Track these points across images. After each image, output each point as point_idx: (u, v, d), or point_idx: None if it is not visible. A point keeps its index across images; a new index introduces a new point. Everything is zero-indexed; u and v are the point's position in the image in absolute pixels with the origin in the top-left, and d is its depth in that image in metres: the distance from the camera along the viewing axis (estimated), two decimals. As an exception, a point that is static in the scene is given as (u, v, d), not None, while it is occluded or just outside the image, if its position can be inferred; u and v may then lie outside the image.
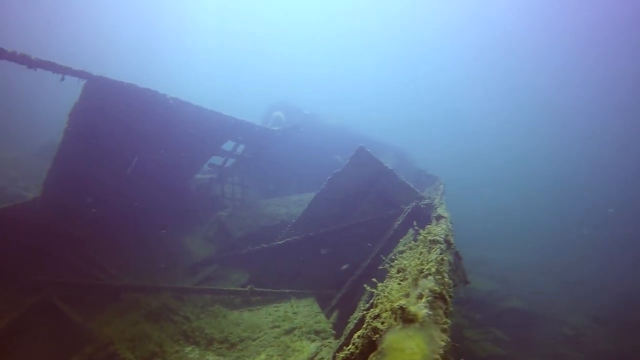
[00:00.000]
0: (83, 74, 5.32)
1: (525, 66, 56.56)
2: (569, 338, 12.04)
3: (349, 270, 5.85)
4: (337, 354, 2.89)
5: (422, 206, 6.00)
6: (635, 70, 48.14)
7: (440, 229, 3.64)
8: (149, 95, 6.10)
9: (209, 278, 6.98)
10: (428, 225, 3.85)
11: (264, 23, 64.71)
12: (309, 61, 66.84)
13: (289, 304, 5.67)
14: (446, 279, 2.27)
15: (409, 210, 5.97)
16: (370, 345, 1.93)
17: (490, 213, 36.44)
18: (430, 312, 1.66)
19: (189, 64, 64.57)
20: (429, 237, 3.15)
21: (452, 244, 3.58)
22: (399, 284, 2.25)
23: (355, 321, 3.88)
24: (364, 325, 2.06)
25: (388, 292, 2.09)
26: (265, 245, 6.98)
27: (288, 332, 4.90)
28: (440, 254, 2.64)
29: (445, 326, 1.66)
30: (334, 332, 4.80)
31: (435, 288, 1.96)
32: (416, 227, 4.09)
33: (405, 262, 2.67)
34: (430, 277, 2.09)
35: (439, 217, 4.52)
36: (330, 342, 4.54)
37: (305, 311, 5.42)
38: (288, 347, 4.58)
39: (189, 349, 4.73)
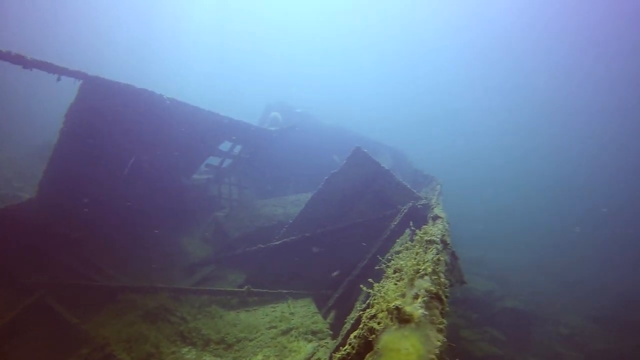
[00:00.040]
0: (79, 74, 5.30)
1: (524, 66, 56.80)
2: (566, 338, 12.09)
3: (340, 276, 5.86)
4: (333, 354, 2.90)
5: (418, 206, 6.01)
6: (635, 70, 48.39)
7: (436, 229, 3.65)
8: (145, 96, 6.09)
9: (206, 279, 6.97)
10: (424, 226, 3.86)
11: (263, 23, 64.76)
12: (308, 61, 66.98)
13: (285, 305, 5.67)
14: (442, 279, 2.28)
15: (405, 210, 5.98)
16: (367, 345, 1.94)
17: (488, 213, 36.61)
18: (426, 312, 1.66)
19: (187, 64, 64.47)
20: (426, 238, 3.15)
21: (448, 244, 3.59)
22: (396, 284, 2.25)
23: (352, 321, 3.89)
24: (361, 326, 2.07)
25: (384, 293, 2.10)
26: (262, 246, 6.98)
27: (285, 332, 4.90)
28: (437, 254, 2.65)
29: (441, 326, 1.66)
30: (330, 332, 4.80)
31: (432, 288, 1.96)
32: (413, 228, 4.10)
33: (401, 262, 2.68)
34: (426, 278, 2.09)
35: (435, 218, 4.53)
36: (327, 343, 4.54)
37: (302, 311, 5.42)
38: (285, 347, 4.58)
39: (185, 349, 4.72)
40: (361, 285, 2.71)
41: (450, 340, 1.69)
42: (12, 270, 5.47)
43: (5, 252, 5.48)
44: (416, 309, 1.65)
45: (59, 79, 5.03)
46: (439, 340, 1.50)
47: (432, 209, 5.36)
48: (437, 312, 1.79)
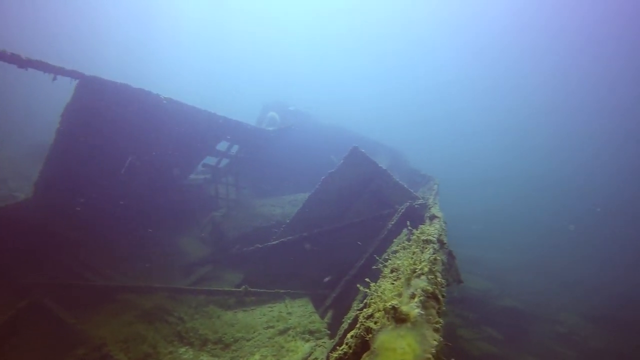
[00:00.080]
0: (75, 74, 5.28)
1: (521, 66, 56.97)
2: (564, 337, 12.14)
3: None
4: (330, 354, 2.90)
5: (415, 206, 6.02)
6: (633, 70, 48.60)
7: (433, 228, 3.65)
8: (142, 96, 6.08)
9: (204, 278, 6.95)
10: (421, 225, 3.86)
11: (261, 22, 64.75)
12: (306, 61, 67.01)
13: (283, 304, 5.67)
14: (439, 279, 2.28)
15: (402, 210, 5.99)
16: (364, 345, 1.94)
17: (486, 212, 36.70)
18: (423, 312, 1.67)
19: (185, 64, 64.34)
20: (422, 237, 3.16)
21: (445, 243, 3.60)
22: (392, 283, 2.25)
23: (349, 321, 3.89)
24: (357, 325, 2.07)
25: (381, 292, 2.10)
26: (260, 246, 6.97)
27: (282, 332, 4.90)
28: (433, 254, 2.66)
29: (437, 325, 1.67)
30: (328, 332, 4.81)
31: (428, 288, 1.97)
32: (410, 227, 4.10)
33: (398, 262, 2.68)
34: (422, 277, 2.10)
35: (432, 217, 4.54)
36: (325, 342, 4.54)
37: (299, 311, 5.42)
38: (282, 347, 4.58)
39: (182, 349, 4.71)
40: (358, 285, 2.71)
41: (448, 339, 1.69)
42: (9, 270, 5.45)
43: (1, 252, 5.46)
44: (412, 309, 1.65)
45: (55, 79, 5.01)
46: (435, 340, 1.50)
47: (429, 208, 5.37)
48: (433, 311, 1.79)
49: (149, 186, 7.65)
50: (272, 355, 4.47)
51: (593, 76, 52.81)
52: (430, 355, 1.36)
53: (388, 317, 1.66)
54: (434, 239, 3.14)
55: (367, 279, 2.53)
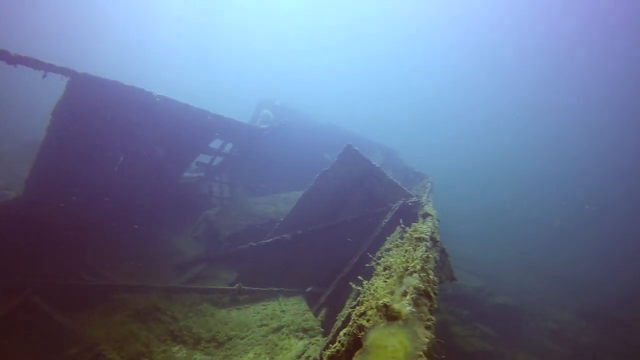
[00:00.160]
0: (66, 71, 5.22)
1: (514, 64, 57.28)
2: (555, 333, 12.29)
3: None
4: (323, 351, 2.91)
5: (409, 204, 6.04)
6: (629, 69, 49.04)
7: (426, 226, 3.67)
8: (134, 93, 6.02)
9: (197, 277, 6.93)
10: (414, 223, 3.88)
11: (257, 21, 64.54)
12: (302, 59, 66.85)
13: (277, 302, 5.67)
14: (431, 276, 2.30)
15: (396, 208, 6.01)
16: (356, 342, 1.94)
17: (480, 210, 36.94)
18: (414, 310, 1.68)
19: (181, 62, 63.97)
20: (415, 235, 3.17)
21: (438, 241, 3.62)
22: (385, 281, 2.26)
23: (342, 319, 3.90)
24: (350, 323, 2.07)
25: (374, 290, 2.11)
26: (254, 244, 6.96)
27: (276, 330, 4.90)
28: (426, 252, 2.67)
29: (429, 323, 1.68)
30: (321, 330, 4.82)
31: (420, 285, 1.98)
32: (403, 225, 4.12)
33: (391, 259, 2.69)
34: (415, 275, 2.11)
35: (425, 215, 4.56)
36: (318, 340, 4.55)
37: (293, 309, 5.42)
38: (276, 345, 4.59)
39: (176, 348, 4.70)
40: (350, 283, 2.72)
41: (441, 336, 1.70)
42: (-1, 270, 5.39)
43: (-9, 251, 5.40)
44: (404, 306, 1.66)
45: (45, 76, 4.95)
46: (427, 337, 1.51)
47: (423, 206, 5.39)
48: (425, 309, 1.80)
49: (142, 184, 7.60)
50: (266, 353, 4.47)
51: (588, 74, 53.25)
52: (421, 353, 1.36)
53: (380, 315, 1.67)
54: (427, 236, 3.15)
55: (360, 277, 2.54)
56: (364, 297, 2.16)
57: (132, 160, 7.13)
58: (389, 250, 3.66)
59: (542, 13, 50.82)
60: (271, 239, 6.87)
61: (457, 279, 4.92)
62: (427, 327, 1.61)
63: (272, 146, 11.11)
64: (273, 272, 6.66)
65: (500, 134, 58.77)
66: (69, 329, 4.70)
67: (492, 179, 49.63)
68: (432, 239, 3.31)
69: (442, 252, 4.22)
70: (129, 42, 59.59)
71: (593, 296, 16.28)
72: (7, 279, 5.35)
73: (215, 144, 8.97)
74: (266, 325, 5.05)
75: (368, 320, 1.76)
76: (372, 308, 1.84)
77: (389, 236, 5.45)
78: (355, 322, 1.97)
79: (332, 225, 6.75)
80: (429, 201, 5.88)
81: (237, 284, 5.94)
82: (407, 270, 2.18)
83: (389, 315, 1.62)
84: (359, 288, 2.35)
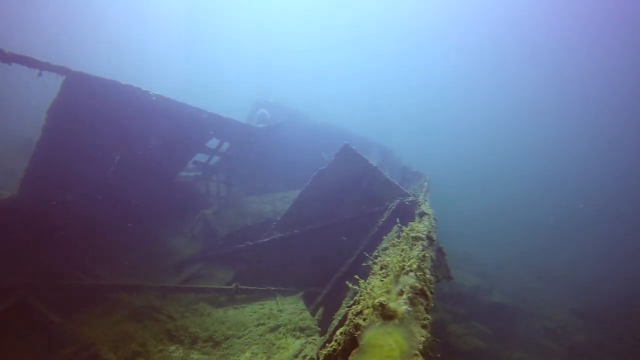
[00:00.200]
0: (62, 69, 5.19)
1: (511, 64, 57.40)
2: (550, 331, 12.35)
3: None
4: (320, 351, 2.91)
5: (406, 203, 6.04)
6: (625, 70, 49.20)
7: (422, 225, 3.67)
8: (130, 92, 5.99)
9: (194, 276, 6.91)
10: (411, 222, 3.88)
11: (254, 19, 64.46)
12: (298, 59, 66.77)
13: (274, 302, 5.66)
14: (427, 275, 2.30)
15: (393, 207, 6.01)
16: (352, 341, 1.94)
17: (477, 210, 37.04)
18: (410, 309, 1.68)
19: (176, 60, 63.75)
20: (412, 234, 3.18)
21: (434, 240, 3.62)
22: (382, 280, 2.26)
23: (339, 318, 3.90)
24: (346, 322, 2.07)
25: (370, 289, 2.11)
26: (251, 243, 6.95)
27: (273, 329, 4.90)
28: (422, 251, 2.67)
29: (425, 322, 1.68)
30: (318, 329, 4.82)
31: (416, 284, 1.98)
32: (399, 224, 4.13)
33: (388, 259, 2.70)
34: (411, 274, 2.11)
35: (422, 214, 4.56)
36: (315, 339, 4.55)
37: (290, 308, 5.42)
38: (273, 344, 4.58)
39: (172, 348, 4.69)
40: (347, 282, 2.72)
41: (438, 335, 1.70)
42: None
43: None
44: (400, 305, 1.66)
45: (40, 74, 4.92)
46: (422, 336, 1.51)
47: (420, 205, 5.39)
48: (421, 308, 1.80)
49: (139, 184, 7.57)
50: (263, 352, 4.47)
51: (585, 75, 53.44)
52: (417, 352, 1.36)
53: (376, 314, 1.67)
54: (423, 235, 3.16)
55: (357, 276, 2.54)
56: (361, 296, 2.17)
57: (128, 159, 7.10)
58: (385, 249, 3.66)
59: (541, 12, 50.95)
60: (268, 238, 6.86)
61: (454, 277, 4.94)
62: (423, 326, 1.62)
63: (269, 145, 11.09)
64: (270, 271, 6.65)
65: (499, 133, 58.94)
66: (64, 329, 4.68)
67: (491, 179, 49.77)
68: (429, 238, 3.32)
69: (439, 251, 4.22)
70: (128, 42, 59.42)
71: (589, 295, 16.37)
72: (2, 279, 5.32)
73: (212, 143, 8.97)
74: (263, 324, 5.04)
75: (364, 320, 1.76)
76: (368, 307, 1.84)
77: (385, 235, 5.45)
78: (352, 321, 1.97)
79: (329, 225, 6.75)
80: (426, 200, 5.89)
81: (234, 283, 5.94)
82: (403, 269, 2.18)
83: (385, 314, 1.62)
84: (356, 287, 2.35)
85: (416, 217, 4.53)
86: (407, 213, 5.65)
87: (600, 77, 51.85)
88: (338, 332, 2.14)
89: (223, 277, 6.87)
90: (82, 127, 6.03)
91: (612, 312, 14.00)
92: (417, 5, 58.70)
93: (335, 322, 3.93)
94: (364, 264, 3.79)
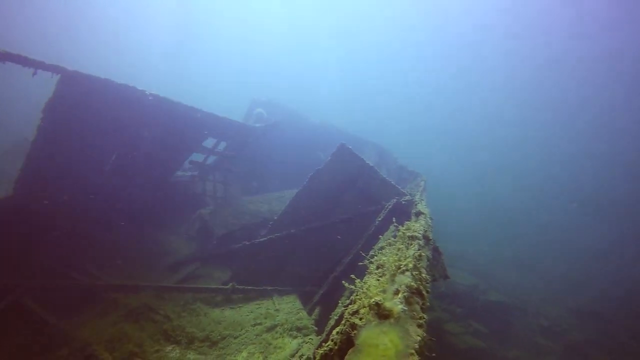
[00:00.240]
0: (57, 68, 5.15)
1: (511, 63, 57.54)
2: (546, 329, 12.41)
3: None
4: (317, 350, 2.91)
5: (403, 202, 6.05)
6: (621, 68, 49.42)
7: (419, 225, 3.68)
8: (126, 91, 5.96)
9: (191, 276, 6.90)
10: (407, 222, 3.89)
11: (251, 18, 64.32)
12: (295, 58, 66.74)
13: (271, 301, 5.67)
14: (423, 275, 2.30)
15: (389, 206, 6.02)
16: (349, 341, 1.94)
17: (474, 208, 37.11)
18: (406, 308, 1.68)
19: (175, 61, 63.59)
20: (408, 233, 3.18)
21: (430, 239, 3.63)
22: (378, 280, 2.27)
23: (335, 317, 3.90)
24: (343, 322, 2.07)
25: (366, 289, 2.11)
26: (247, 243, 6.95)
27: (270, 329, 4.90)
28: (418, 250, 2.68)
29: (421, 321, 1.68)
30: (315, 328, 4.82)
31: (412, 284, 1.98)
32: (396, 224, 4.13)
33: (384, 258, 2.70)
34: (407, 273, 2.11)
35: (418, 214, 4.57)
36: (312, 339, 4.55)
37: (287, 308, 5.42)
38: (270, 344, 4.58)
39: (169, 348, 4.68)
40: (344, 282, 2.72)
41: (435, 334, 1.71)
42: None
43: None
44: (396, 305, 1.66)
45: (35, 73, 4.89)
46: (418, 335, 1.52)
47: (416, 205, 5.40)
48: (417, 307, 1.81)
49: (135, 183, 7.55)
50: (260, 352, 4.46)
51: (582, 74, 53.61)
52: (412, 351, 1.37)
53: (372, 313, 1.67)
54: (420, 235, 3.16)
55: (353, 276, 2.55)
56: (357, 295, 2.17)
57: (124, 159, 7.07)
58: (382, 248, 3.67)
59: (541, 11, 51.10)
60: (265, 238, 6.86)
61: (451, 276, 4.95)
62: (419, 325, 1.62)
63: (266, 145, 11.08)
64: (267, 271, 6.65)
65: (496, 132, 59.06)
66: (60, 330, 4.66)
67: (491, 179, 49.86)
68: (425, 237, 3.33)
69: (435, 250, 4.24)
70: (128, 42, 59.20)
71: (585, 294, 16.46)
72: (-3, 280, 5.29)
73: (209, 142, 8.95)
74: (260, 324, 5.04)
75: (361, 319, 1.76)
76: (364, 306, 1.85)
77: (382, 235, 5.46)
78: (348, 320, 1.98)
79: (325, 224, 6.75)
80: (423, 200, 5.90)
81: (231, 283, 5.93)
82: (399, 268, 2.19)
83: (381, 313, 1.63)
84: (352, 287, 2.35)
85: (412, 217, 4.54)
86: (403, 212, 5.66)
87: (600, 77, 52.10)
88: (334, 332, 2.14)
89: (220, 276, 6.86)
90: (78, 126, 6.00)
91: (607, 310, 14.08)
92: (416, 4, 58.74)
93: (331, 322, 3.93)
94: (360, 264, 3.80)
